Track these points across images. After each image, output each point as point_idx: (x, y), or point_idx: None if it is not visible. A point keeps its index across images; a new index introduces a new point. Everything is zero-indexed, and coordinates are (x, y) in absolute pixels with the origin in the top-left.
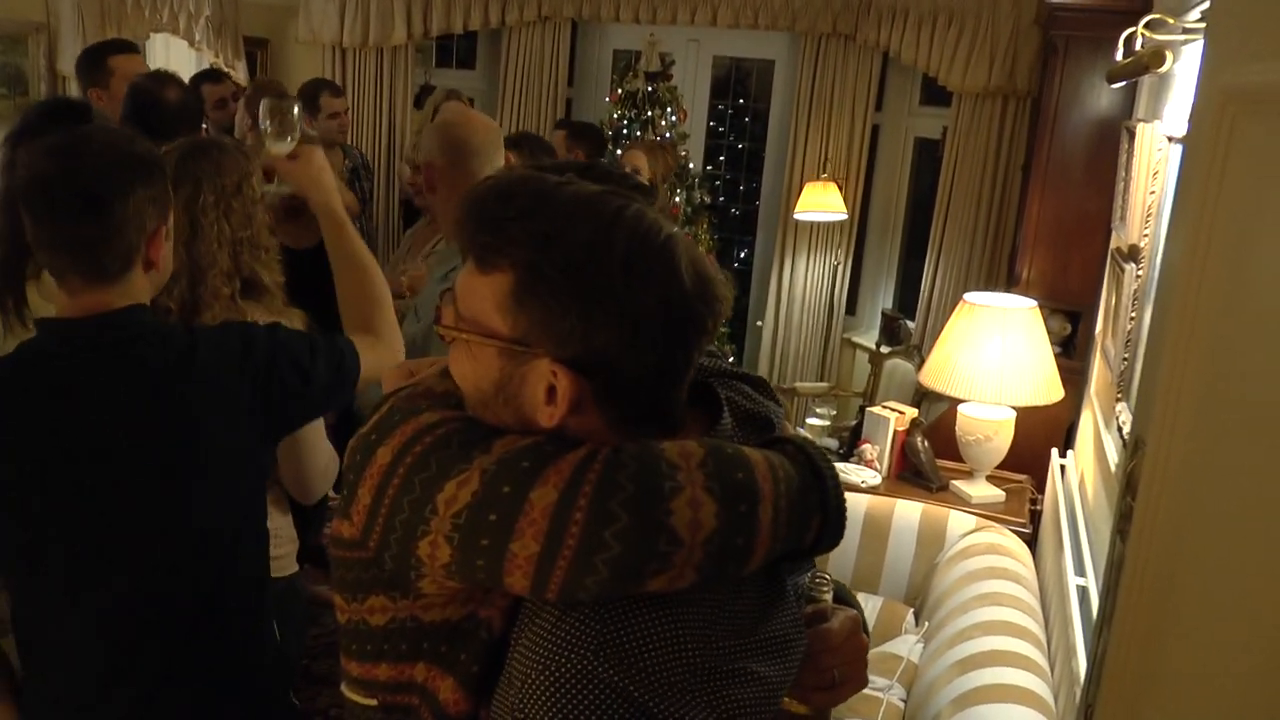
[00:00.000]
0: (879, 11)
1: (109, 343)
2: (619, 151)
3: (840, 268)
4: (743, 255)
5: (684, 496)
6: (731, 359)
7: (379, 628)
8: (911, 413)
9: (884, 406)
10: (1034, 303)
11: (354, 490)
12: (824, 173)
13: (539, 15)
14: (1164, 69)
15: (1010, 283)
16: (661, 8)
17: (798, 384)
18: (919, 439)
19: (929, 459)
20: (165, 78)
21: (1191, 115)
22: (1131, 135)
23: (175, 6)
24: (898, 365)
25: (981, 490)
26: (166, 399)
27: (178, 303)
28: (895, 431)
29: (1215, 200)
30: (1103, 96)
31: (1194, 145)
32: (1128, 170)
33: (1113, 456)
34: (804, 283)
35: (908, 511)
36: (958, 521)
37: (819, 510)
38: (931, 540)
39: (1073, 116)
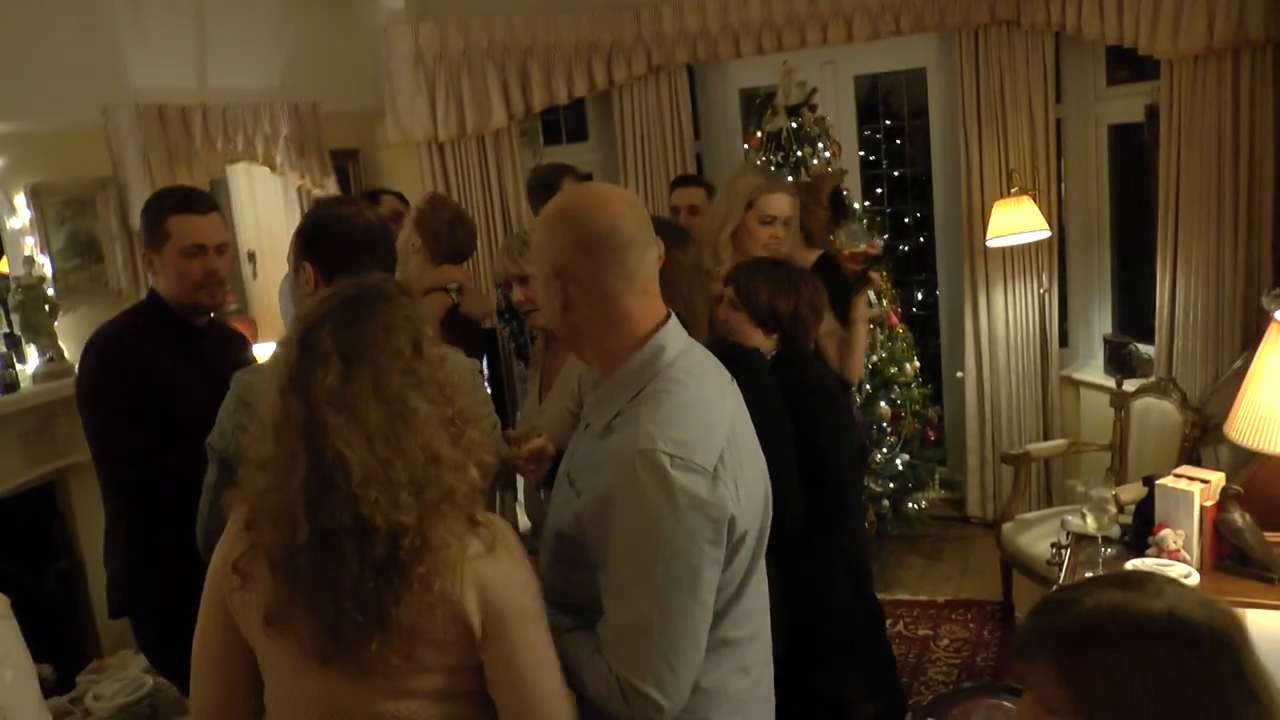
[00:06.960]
0: None
1: None
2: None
3: (1047, 294)
4: (919, 297)
5: None
6: (936, 422)
7: None
8: (1219, 479)
9: (1177, 475)
10: None
11: None
12: (1013, 187)
13: (649, 67)
14: None
15: None
16: (788, 31)
17: (1030, 446)
18: (1237, 514)
19: (1257, 539)
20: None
21: None
22: None
23: (250, 132)
24: (1150, 405)
25: None
26: None
27: None
28: (1203, 508)
29: None
30: None
31: None
32: None
33: None
34: (1005, 319)
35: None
36: None
37: None
38: None
39: None
